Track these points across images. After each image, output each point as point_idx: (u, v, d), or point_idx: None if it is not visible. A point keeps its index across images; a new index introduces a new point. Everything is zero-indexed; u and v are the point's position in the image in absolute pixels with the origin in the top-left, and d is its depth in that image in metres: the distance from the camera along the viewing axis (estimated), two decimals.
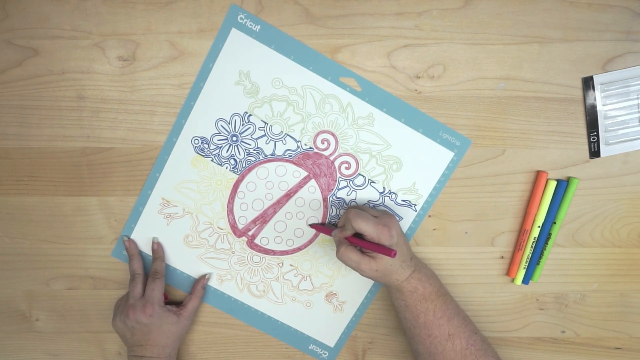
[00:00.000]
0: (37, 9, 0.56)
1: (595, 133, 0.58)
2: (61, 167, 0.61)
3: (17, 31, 0.57)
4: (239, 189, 0.61)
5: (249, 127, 0.59)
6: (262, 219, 0.61)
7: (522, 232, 0.61)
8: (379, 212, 0.55)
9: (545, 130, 0.59)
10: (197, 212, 0.61)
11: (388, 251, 0.49)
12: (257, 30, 0.56)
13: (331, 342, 0.65)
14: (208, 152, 0.60)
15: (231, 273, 0.63)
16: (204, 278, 0.62)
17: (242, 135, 0.59)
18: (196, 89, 0.58)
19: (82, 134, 0.60)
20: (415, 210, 0.60)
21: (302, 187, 0.60)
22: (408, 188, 0.60)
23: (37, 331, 0.66)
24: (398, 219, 0.60)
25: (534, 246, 0.61)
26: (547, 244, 0.61)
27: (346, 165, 0.59)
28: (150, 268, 0.61)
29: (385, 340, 0.66)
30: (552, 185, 0.59)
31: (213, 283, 0.63)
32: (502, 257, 0.63)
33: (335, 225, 0.61)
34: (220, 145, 0.59)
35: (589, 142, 0.59)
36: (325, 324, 0.64)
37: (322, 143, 0.59)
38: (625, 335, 0.64)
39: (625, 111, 0.58)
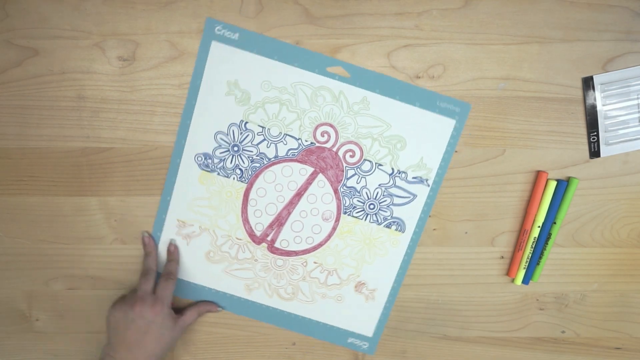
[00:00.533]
0: (37, 9, 0.56)
1: (595, 133, 0.58)
2: (61, 167, 0.61)
3: (17, 31, 0.57)
4: (250, 197, 0.61)
5: (248, 135, 0.59)
6: (278, 222, 0.62)
7: (522, 232, 0.61)
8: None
9: (545, 130, 0.59)
10: (214, 227, 0.62)
11: None
12: (236, 38, 0.56)
13: (369, 332, 0.64)
14: (213, 167, 0.60)
15: (258, 281, 0.63)
16: (215, 308, 0.63)
17: (242, 144, 0.59)
18: (189, 107, 0.58)
19: (82, 134, 0.60)
20: (428, 185, 0.60)
21: (311, 183, 0.60)
22: (416, 164, 0.59)
23: (37, 331, 0.66)
24: (412, 197, 0.60)
25: (534, 246, 0.61)
26: (547, 244, 0.61)
27: (350, 153, 0.59)
28: (163, 268, 0.61)
29: (385, 341, 0.66)
30: (552, 185, 0.59)
31: (241, 294, 0.64)
32: (502, 257, 0.63)
33: None
34: (223, 158, 0.60)
35: (589, 142, 0.59)
36: (359, 315, 0.64)
37: (322, 136, 0.59)
38: (625, 335, 0.64)
39: (625, 111, 0.58)
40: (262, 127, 0.59)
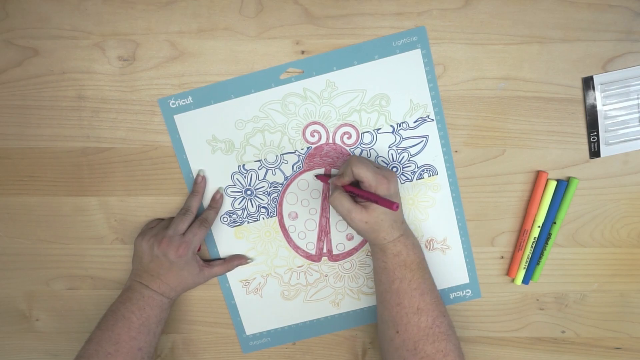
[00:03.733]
0: (37, 9, 0.56)
1: (595, 133, 0.58)
2: (61, 167, 0.61)
3: (17, 31, 0.57)
4: (287, 225, 0.62)
5: (252, 174, 0.60)
6: (324, 232, 0.62)
7: (522, 232, 0.61)
8: (381, 166, 0.55)
9: (545, 130, 0.59)
10: (273, 268, 0.63)
11: (390, 204, 0.48)
12: (191, 100, 0.58)
13: (464, 279, 0.63)
14: (240, 219, 0.61)
15: (339, 293, 0.64)
16: (245, 260, 0.62)
17: (252, 185, 0.60)
18: (191, 182, 0.60)
19: (82, 134, 0.60)
20: (432, 120, 0.59)
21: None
22: (410, 108, 0.58)
23: (37, 331, 0.66)
24: (424, 139, 0.59)
25: (534, 246, 0.61)
26: (547, 244, 0.61)
27: (347, 135, 0.59)
28: (202, 213, 0.60)
29: None
30: (552, 185, 0.59)
31: (331, 311, 0.64)
32: (502, 257, 0.63)
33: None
34: (244, 206, 0.61)
35: (589, 142, 0.59)
36: (447, 269, 0.63)
37: (313, 136, 0.59)
38: (625, 335, 0.64)
39: (625, 111, 0.58)
40: (259, 160, 0.59)
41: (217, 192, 0.60)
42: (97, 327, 0.55)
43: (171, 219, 0.59)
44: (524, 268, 0.62)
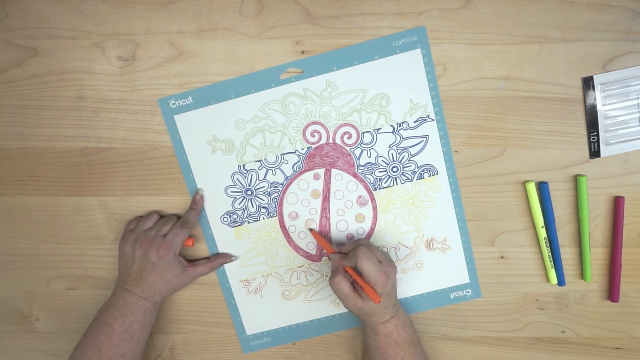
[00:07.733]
0: (37, 9, 0.56)
1: (595, 133, 0.58)
2: (61, 167, 0.61)
3: (17, 31, 0.57)
4: (287, 225, 0.62)
5: (252, 174, 0.60)
6: (324, 232, 0.62)
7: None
8: (385, 258, 0.56)
9: (545, 130, 0.59)
10: (273, 268, 0.63)
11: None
12: (191, 100, 0.58)
13: (465, 279, 0.63)
14: (240, 219, 0.61)
15: None
16: (229, 258, 0.62)
17: (252, 185, 0.60)
18: (191, 182, 0.60)
19: (82, 134, 0.60)
20: (432, 119, 0.59)
21: (330, 181, 0.60)
22: (410, 108, 0.58)
23: (37, 331, 0.66)
24: (424, 139, 0.59)
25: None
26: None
27: (347, 135, 0.59)
28: (183, 215, 0.60)
29: None
30: (532, 187, 0.59)
31: (331, 311, 0.64)
32: (502, 257, 0.63)
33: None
34: (244, 206, 0.61)
35: (589, 142, 0.59)
36: (446, 269, 0.63)
37: (313, 136, 0.59)
38: (625, 335, 0.64)
39: (625, 111, 0.58)
40: (259, 160, 0.59)
41: (197, 193, 0.60)
42: (83, 334, 0.56)
43: (150, 215, 0.60)
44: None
